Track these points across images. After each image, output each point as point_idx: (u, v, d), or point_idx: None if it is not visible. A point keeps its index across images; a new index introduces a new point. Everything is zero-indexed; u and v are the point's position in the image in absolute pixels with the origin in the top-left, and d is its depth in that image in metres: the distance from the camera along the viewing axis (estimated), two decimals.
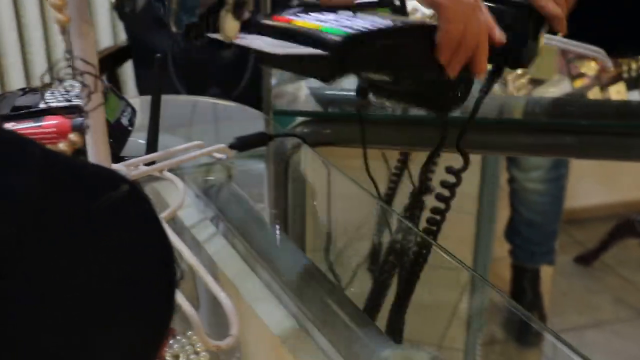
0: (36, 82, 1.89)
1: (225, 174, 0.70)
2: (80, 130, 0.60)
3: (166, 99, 0.67)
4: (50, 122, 0.59)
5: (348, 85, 0.98)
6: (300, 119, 0.87)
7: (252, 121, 0.82)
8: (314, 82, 0.94)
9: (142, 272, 0.32)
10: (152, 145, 0.61)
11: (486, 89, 0.67)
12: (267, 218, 0.67)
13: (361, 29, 0.50)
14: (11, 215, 0.30)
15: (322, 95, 0.93)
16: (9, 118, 0.59)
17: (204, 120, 0.87)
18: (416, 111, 0.92)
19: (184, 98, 0.94)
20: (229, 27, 0.38)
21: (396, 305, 0.59)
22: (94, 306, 0.31)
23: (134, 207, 0.32)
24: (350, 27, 0.50)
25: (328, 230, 0.69)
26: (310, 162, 0.77)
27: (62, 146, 0.38)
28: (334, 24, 0.50)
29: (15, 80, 1.91)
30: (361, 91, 0.91)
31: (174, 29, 0.50)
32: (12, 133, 0.34)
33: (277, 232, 0.64)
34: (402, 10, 0.96)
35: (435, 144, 0.94)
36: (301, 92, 0.93)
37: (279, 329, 0.48)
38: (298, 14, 0.52)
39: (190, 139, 0.70)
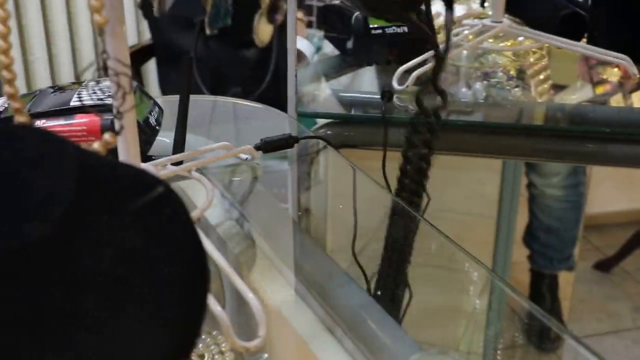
0: (61, 81, 1.91)
1: (250, 174, 0.70)
2: (110, 129, 0.61)
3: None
4: (81, 120, 0.59)
5: (371, 87, 0.99)
6: (322, 120, 0.87)
7: (274, 121, 0.83)
8: (337, 84, 0.94)
9: (175, 273, 0.32)
10: (179, 145, 0.62)
11: None
12: (292, 218, 0.67)
13: None
14: (50, 216, 0.31)
15: (344, 98, 0.93)
16: (40, 116, 0.60)
17: (225, 120, 0.87)
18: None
19: (206, 97, 0.94)
20: (264, 31, 0.39)
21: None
22: (128, 307, 0.32)
23: (168, 208, 0.33)
24: None
25: (352, 231, 0.69)
26: (334, 164, 0.78)
27: (96, 146, 0.39)
28: None
29: (42, 78, 1.93)
30: (385, 94, 0.91)
31: (208, 31, 0.51)
32: (49, 133, 0.34)
33: (302, 233, 0.64)
34: (427, 12, 0.96)
35: (459, 148, 0.95)
36: (321, 93, 0.94)
37: (305, 331, 0.48)
38: None
39: (217, 139, 0.70)
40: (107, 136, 0.39)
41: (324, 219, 0.73)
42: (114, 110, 0.40)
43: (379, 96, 0.90)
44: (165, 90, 1.45)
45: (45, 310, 0.31)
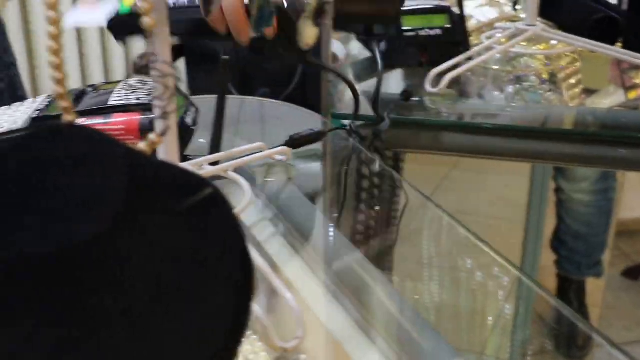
0: (92, 80, 1.93)
1: (283, 175, 0.70)
2: (148, 129, 0.61)
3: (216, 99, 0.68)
4: (119, 119, 0.60)
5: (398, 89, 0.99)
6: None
7: (303, 121, 0.83)
8: (367, 86, 0.94)
9: (223, 274, 0.33)
10: (216, 145, 0.62)
11: None
12: (326, 219, 0.67)
13: None
14: (102, 216, 0.31)
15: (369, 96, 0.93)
16: (79, 114, 0.61)
17: (253, 120, 0.88)
18: (471, 118, 0.92)
19: (235, 97, 0.95)
20: (309, 34, 0.39)
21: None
22: (175, 307, 0.32)
23: (216, 209, 0.33)
24: None
25: (385, 232, 0.69)
26: (366, 164, 0.78)
27: (142, 146, 0.39)
28: None
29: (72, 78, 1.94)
30: (405, 94, 0.91)
31: (251, 34, 0.52)
32: (99, 132, 0.35)
33: (336, 234, 0.64)
34: (460, 15, 0.96)
35: (488, 151, 0.95)
36: (347, 93, 0.94)
37: (339, 332, 0.48)
38: None
39: (247, 139, 0.71)
40: (152, 136, 0.39)
41: (357, 218, 0.74)
42: (159, 111, 0.40)
43: (413, 98, 0.90)
44: (194, 90, 1.46)
45: (92, 310, 0.31)
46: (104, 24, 0.75)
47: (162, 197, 0.33)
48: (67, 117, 0.39)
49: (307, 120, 0.81)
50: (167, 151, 0.46)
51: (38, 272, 0.30)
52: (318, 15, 0.39)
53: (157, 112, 0.41)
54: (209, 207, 0.33)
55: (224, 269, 0.32)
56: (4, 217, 0.31)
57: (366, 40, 0.94)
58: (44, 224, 0.31)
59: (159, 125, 0.41)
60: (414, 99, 0.92)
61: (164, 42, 0.40)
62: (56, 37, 0.36)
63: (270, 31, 0.66)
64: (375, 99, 0.84)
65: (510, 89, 0.98)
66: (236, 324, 0.32)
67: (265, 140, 0.71)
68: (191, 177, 0.34)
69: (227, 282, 0.32)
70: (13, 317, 0.30)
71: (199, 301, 0.32)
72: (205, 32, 0.68)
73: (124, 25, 0.75)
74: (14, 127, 0.64)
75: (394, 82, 1.02)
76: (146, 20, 0.36)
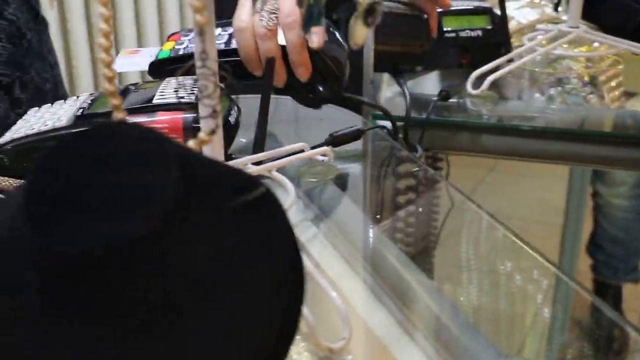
0: (131, 80, 1.94)
1: (324, 174, 0.70)
2: (192, 127, 0.61)
3: (254, 98, 0.69)
4: (163, 118, 0.60)
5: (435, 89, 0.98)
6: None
7: (342, 121, 0.83)
8: (408, 87, 0.94)
9: (274, 274, 0.32)
10: (260, 144, 0.62)
11: None
12: (367, 219, 0.67)
13: None
14: (154, 213, 0.31)
15: (415, 100, 0.92)
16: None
17: (289, 120, 0.87)
18: (511, 119, 0.91)
19: (276, 97, 0.95)
20: (359, 34, 0.39)
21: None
22: (226, 307, 0.32)
23: (268, 209, 0.33)
24: None
25: (426, 233, 0.69)
26: (405, 164, 0.78)
27: (191, 144, 0.39)
28: None
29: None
30: (442, 94, 0.91)
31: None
32: (150, 130, 0.35)
33: (378, 233, 0.64)
34: (502, 17, 0.95)
35: (526, 153, 0.94)
36: (394, 96, 0.94)
37: (383, 334, 0.48)
38: None
39: (288, 139, 0.71)
40: (202, 135, 0.39)
41: (397, 218, 0.73)
42: (208, 110, 0.40)
43: (452, 98, 0.90)
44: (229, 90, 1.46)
45: (142, 308, 0.31)
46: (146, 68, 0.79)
47: (213, 196, 0.33)
48: (118, 115, 0.39)
49: (346, 121, 0.81)
50: (214, 150, 0.46)
51: (88, 269, 0.31)
52: (368, 15, 0.38)
53: (205, 111, 0.41)
54: (259, 207, 0.33)
55: (275, 270, 0.32)
56: (55, 214, 0.31)
57: (394, 75, 0.94)
58: (95, 221, 0.31)
59: (207, 124, 0.41)
60: (453, 100, 0.92)
61: (212, 41, 0.40)
62: (107, 35, 0.36)
63: (305, 72, 0.69)
64: (406, 129, 0.85)
65: (551, 91, 0.97)
66: (287, 325, 0.32)
67: (303, 140, 0.71)
68: (242, 176, 0.34)
69: (277, 283, 0.32)
70: (65, 314, 0.31)
71: (249, 301, 0.32)
72: (241, 73, 0.71)
73: (162, 69, 0.78)
74: (58, 124, 0.64)
75: (432, 83, 1.02)
76: (198, 18, 0.36)
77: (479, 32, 0.95)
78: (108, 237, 0.30)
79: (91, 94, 0.70)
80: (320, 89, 0.72)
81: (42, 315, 0.31)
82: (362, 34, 0.39)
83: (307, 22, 0.41)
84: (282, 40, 0.69)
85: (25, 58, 0.89)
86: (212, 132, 0.39)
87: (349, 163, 0.75)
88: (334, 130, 0.72)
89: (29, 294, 0.31)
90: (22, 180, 0.62)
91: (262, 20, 0.67)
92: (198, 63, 0.38)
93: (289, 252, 0.33)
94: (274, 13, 0.67)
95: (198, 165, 0.34)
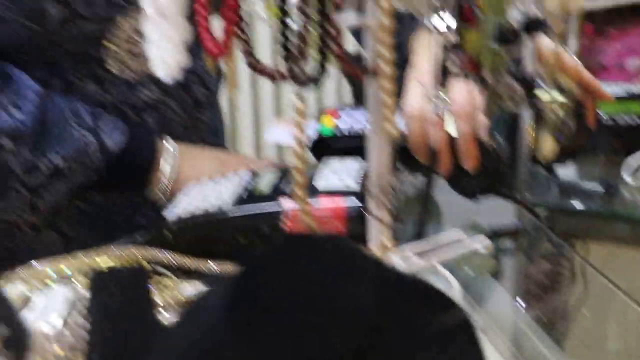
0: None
1: (482, 267, 0.69)
2: (356, 216, 0.61)
3: None
4: (326, 204, 0.60)
5: (592, 177, 0.95)
6: None
7: (494, 207, 0.81)
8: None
9: None
10: (421, 231, 0.61)
11: None
12: (530, 317, 0.65)
13: None
14: (354, 326, 0.31)
15: (566, 187, 0.90)
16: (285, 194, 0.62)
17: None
18: None
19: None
20: (548, 149, 0.38)
21: None
22: None
23: (465, 336, 0.32)
24: None
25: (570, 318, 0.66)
26: (555, 251, 0.75)
27: (375, 250, 0.39)
28: None
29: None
30: (608, 188, 0.87)
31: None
32: (347, 242, 0.35)
33: (542, 333, 0.61)
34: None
35: None
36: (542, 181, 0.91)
37: None
38: None
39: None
40: (385, 241, 0.39)
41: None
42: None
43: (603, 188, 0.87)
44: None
45: None
46: (307, 143, 0.79)
47: (411, 314, 0.33)
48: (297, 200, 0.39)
49: (491, 204, 0.79)
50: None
51: None
52: (560, 132, 0.37)
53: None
54: (456, 334, 0.32)
55: None
56: (260, 329, 0.31)
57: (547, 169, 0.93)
58: (300, 334, 0.31)
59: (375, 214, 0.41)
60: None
61: None
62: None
63: (474, 163, 0.68)
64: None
65: None
66: None
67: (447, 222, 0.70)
68: (440, 297, 0.34)
69: None
70: None
71: None
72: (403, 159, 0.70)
73: (326, 147, 0.77)
74: (221, 203, 0.66)
75: (583, 169, 0.98)
76: None
77: (637, 119, 0.92)
78: (315, 353, 0.30)
79: (250, 171, 0.71)
80: (477, 179, 0.71)
81: None
82: (550, 149, 0.38)
83: (495, 126, 0.40)
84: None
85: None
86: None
87: (501, 251, 0.73)
88: (467, 210, 0.70)
89: None
90: (183, 257, 0.63)
91: (435, 107, 0.67)
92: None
93: None
94: (446, 100, 0.67)
95: (395, 281, 0.34)
